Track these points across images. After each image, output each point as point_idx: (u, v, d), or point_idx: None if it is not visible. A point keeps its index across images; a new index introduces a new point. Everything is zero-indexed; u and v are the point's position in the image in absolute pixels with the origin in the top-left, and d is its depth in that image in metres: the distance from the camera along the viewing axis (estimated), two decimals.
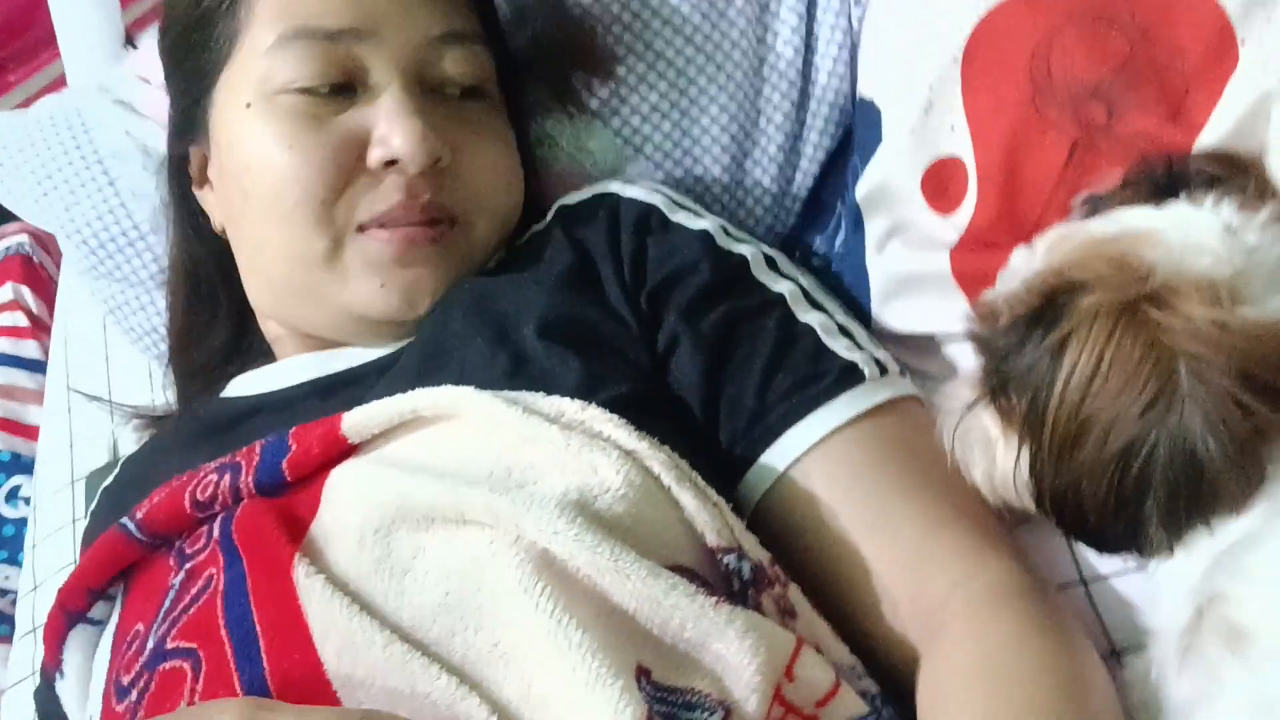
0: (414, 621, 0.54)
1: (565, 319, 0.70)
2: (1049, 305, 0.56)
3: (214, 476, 0.65)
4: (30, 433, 1.36)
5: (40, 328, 1.43)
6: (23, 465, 1.35)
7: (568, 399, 0.62)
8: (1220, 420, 0.51)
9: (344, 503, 0.61)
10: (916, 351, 0.76)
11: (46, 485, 1.12)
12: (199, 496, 0.65)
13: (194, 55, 0.78)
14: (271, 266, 0.76)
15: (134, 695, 0.59)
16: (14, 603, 1.21)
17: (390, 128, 0.72)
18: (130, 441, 1.03)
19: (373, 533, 0.58)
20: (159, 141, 0.91)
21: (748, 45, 0.88)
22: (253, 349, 0.86)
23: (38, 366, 1.40)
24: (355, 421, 0.64)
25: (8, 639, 1.19)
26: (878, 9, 0.79)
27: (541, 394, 0.63)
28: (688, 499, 0.59)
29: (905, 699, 0.60)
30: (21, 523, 1.28)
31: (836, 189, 0.86)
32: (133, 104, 0.97)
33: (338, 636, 0.54)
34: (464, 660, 0.53)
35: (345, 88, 0.73)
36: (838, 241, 0.84)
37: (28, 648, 1.01)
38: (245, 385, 0.82)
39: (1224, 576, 0.52)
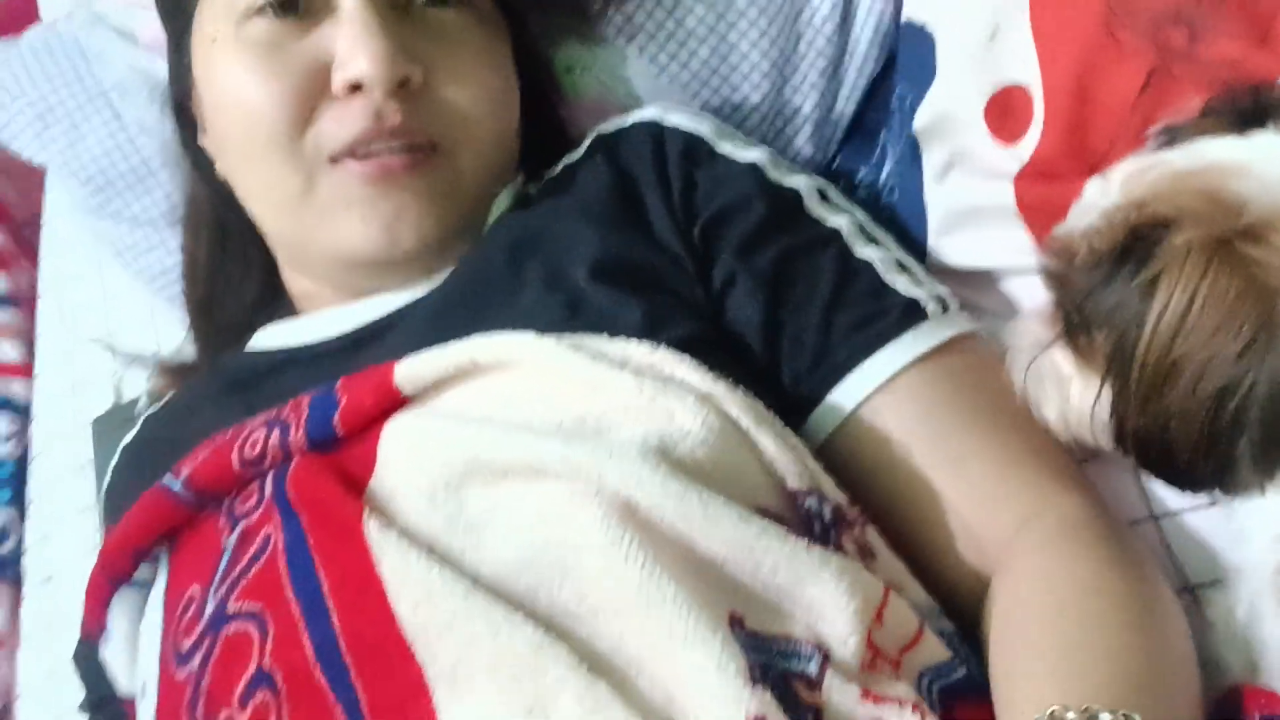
0: (494, 578, 0.53)
1: (618, 260, 0.67)
2: (1136, 241, 0.54)
3: (261, 433, 0.62)
4: (5, 369, 1.31)
5: (6, 258, 1.37)
6: None
7: (634, 342, 0.60)
8: None
9: (405, 458, 0.58)
10: (973, 286, 0.74)
11: (48, 431, 1.08)
12: (247, 454, 0.62)
13: None
14: (266, 215, 0.73)
15: (196, 661, 0.57)
16: (3, 541, 1.18)
17: (351, 48, 0.67)
18: (134, 385, 0.99)
19: (444, 488, 0.56)
20: (165, 72, 0.86)
21: None
22: (282, 301, 0.82)
23: (5, 301, 1.34)
24: (408, 372, 0.61)
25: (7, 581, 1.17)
26: None
27: (605, 337, 0.61)
28: (767, 442, 0.58)
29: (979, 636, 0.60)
30: (2, 463, 1.25)
31: (881, 117, 0.83)
32: (134, 33, 0.91)
33: (415, 589, 0.52)
34: (550, 614, 0.51)
35: (312, 9, 0.69)
36: (884, 172, 0.81)
37: (42, 600, 0.99)
38: (272, 338, 0.78)
39: None
